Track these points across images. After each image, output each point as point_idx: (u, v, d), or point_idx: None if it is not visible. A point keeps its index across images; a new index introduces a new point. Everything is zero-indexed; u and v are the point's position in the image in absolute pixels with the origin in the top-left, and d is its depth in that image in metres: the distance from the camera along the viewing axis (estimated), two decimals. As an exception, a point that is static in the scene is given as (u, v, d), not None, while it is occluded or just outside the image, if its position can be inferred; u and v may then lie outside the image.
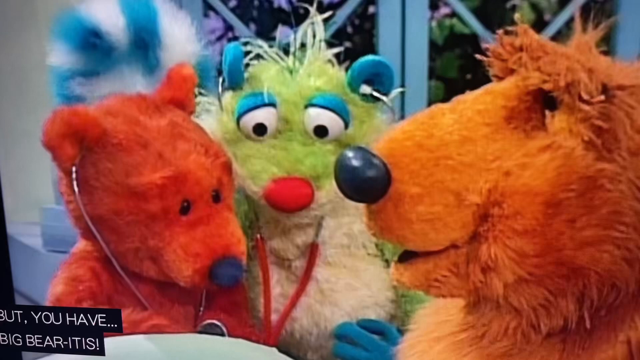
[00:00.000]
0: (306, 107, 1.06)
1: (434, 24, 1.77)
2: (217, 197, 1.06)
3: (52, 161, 1.00)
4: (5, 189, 1.61)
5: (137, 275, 1.05)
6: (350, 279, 1.12)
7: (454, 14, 1.79)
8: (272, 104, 1.06)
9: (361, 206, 0.83)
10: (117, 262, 1.03)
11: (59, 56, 1.16)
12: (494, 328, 0.79)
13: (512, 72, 0.79)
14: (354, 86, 1.07)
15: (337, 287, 1.12)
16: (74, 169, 1.00)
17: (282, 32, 1.24)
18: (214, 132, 1.12)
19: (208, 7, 1.70)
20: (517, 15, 0.80)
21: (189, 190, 1.03)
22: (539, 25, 1.56)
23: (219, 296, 1.14)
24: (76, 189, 1.00)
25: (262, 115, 1.06)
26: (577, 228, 0.72)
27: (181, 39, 1.15)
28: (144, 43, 1.15)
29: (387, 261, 1.14)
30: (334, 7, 1.76)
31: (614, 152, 0.71)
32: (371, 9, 1.73)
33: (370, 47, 1.75)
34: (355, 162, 0.77)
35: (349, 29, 1.72)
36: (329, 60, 1.11)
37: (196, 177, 1.03)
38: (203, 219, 1.05)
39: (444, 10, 1.79)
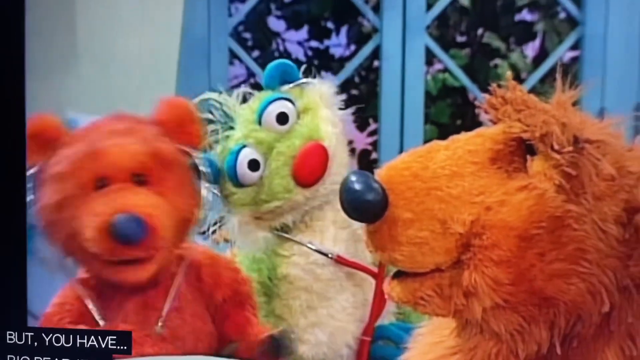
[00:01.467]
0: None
1: (429, 77, 1.75)
2: (140, 182, 0.95)
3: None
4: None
5: (120, 289, 0.96)
6: None
7: (446, 70, 1.78)
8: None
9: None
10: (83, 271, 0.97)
11: None
12: (479, 354, 0.77)
13: (500, 119, 0.78)
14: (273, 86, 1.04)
15: None
16: (33, 169, 0.95)
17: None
18: None
19: (233, 56, 1.68)
20: (508, 73, 0.79)
21: (103, 167, 0.93)
22: (517, 81, 1.53)
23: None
24: (32, 196, 0.95)
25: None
26: (546, 261, 0.70)
27: None
28: None
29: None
30: (344, 60, 1.74)
31: (580, 196, 0.70)
32: (375, 63, 1.72)
33: (374, 96, 1.73)
34: (357, 186, 0.76)
35: (356, 79, 1.70)
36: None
37: (113, 156, 0.94)
38: (116, 190, 0.94)
39: (438, 66, 1.78)
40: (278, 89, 1.04)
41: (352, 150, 1.67)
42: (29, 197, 0.95)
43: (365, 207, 0.78)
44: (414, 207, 0.79)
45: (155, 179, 0.95)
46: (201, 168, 1.00)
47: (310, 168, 1.02)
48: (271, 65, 1.05)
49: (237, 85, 1.60)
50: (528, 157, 0.74)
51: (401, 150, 1.33)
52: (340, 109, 1.07)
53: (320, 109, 1.05)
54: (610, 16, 1.63)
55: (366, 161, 1.85)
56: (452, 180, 0.79)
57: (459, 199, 0.79)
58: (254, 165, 1.02)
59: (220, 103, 1.08)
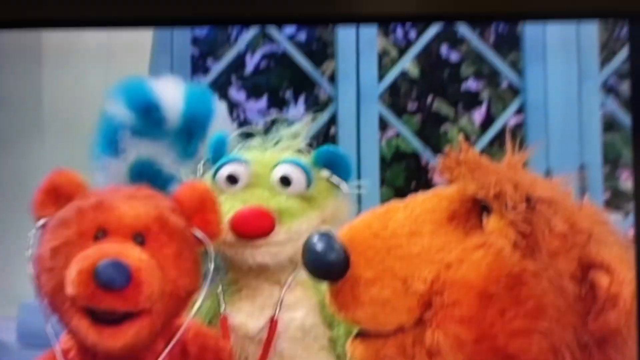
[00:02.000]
0: (275, 166, 1.01)
1: (383, 143, 1.75)
2: (139, 242, 0.93)
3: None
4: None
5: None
6: None
7: (399, 135, 1.77)
8: (245, 162, 1.00)
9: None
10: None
11: (116, 110, 1.10)
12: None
13: (455, 180, 0.77)
14: (317, 166, 1.02)
15: None
16: (41, 221, 0.91)
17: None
18: None
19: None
20: (460, 136, 0.78)
21: (107, 220, 0.89)
22: (466, 145, 1.54)
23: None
24: (33, 240, 0.91)
25: (234, 168, 1.00)
26: (507, 319, 0.68)
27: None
28: (191, 132, 1.09)
29: (338, 356, 1.00)
30: (302, 127, 1.74)
31: (536, 253, 0.68)
32: (332, 130, 1.71)
33: (331, 160, 1.73)
34: (319, 246, 0.74)
35: (314, 145, 1.68)
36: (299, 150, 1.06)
37: (119, 211, 0.90)
38: (112, 241, 0.90)
39: (391, 132, 1.78)
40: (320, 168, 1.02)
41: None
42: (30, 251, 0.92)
43: (328, 267, 0.76)
44: (375, 265, 0.77)
45: (155, 243, 0.91)
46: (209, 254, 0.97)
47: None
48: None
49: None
50: (483, 215, 0.73)
51: (359, 212, 1.31)
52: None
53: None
54: (549, 84, 1.65)
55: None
56: (411, 238, 0.77)
57: (419, 257, 0.77)
58: None
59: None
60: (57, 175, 0.93)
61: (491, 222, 0.71)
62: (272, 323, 1.00)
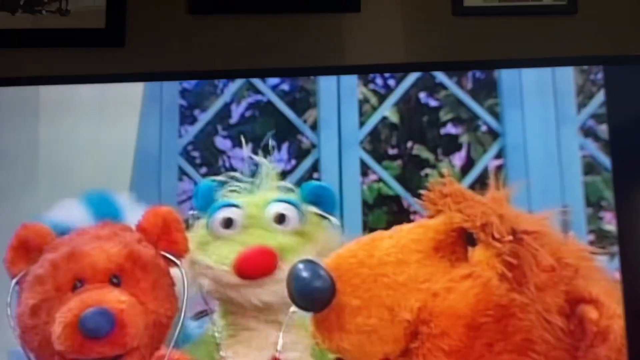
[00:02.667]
0: (267, 205, 1.03)
1: (365, 187, 1.76)
2: (116, 283, 0.93)
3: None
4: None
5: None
6: None
7: (380, 180, 1.79)
8: (238, 206, 1.02)
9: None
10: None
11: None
12: None
13: (440, 212, 0.78)
14: (305, 201, 1.04)
15: None
16: (15, 280, 0.94)
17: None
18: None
19: (182, 173, 1.68)
20: (445, 170, 0.80)
21: (81, 269, 0.92)
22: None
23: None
24: (9, 300, 0.93)
25: (228, 212, 1.02)
26: (495, 352, 0.69)
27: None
28: None
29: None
30: (285, 173, 1.75)
31: (523, 286, 0.69)
32: (315, 175, 1.73)
33: (314, 204, 1.73)
34: (305, 274, 0.75)
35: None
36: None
37: (91, 258, 0.92)
38: (91, 289, 0.93)
39: (373, 177, 1.79)
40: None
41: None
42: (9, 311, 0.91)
43: (314, 294, 0.76)
44: (362, 293, 0.78)
45: (131, 281, 0.92)
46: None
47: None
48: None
49: (185, 200, 1.59)
50: (469, 247, 0.74)
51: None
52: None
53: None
54: (527, 128, 1.68)
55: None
56: (398, 267, 0.78)
57: (406, 285, 0.78)
58: None
59: None
60: (24, 230, 0.94)
61: (477, 253, 0.72)
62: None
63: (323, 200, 1.08)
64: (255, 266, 1.01)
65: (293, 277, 0.77)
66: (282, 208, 1.03)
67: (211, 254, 1.06)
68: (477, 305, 0.72)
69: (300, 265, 0.78)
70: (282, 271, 1.00)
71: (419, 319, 0.75)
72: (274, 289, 1.02)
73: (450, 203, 0.81)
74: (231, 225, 1.03)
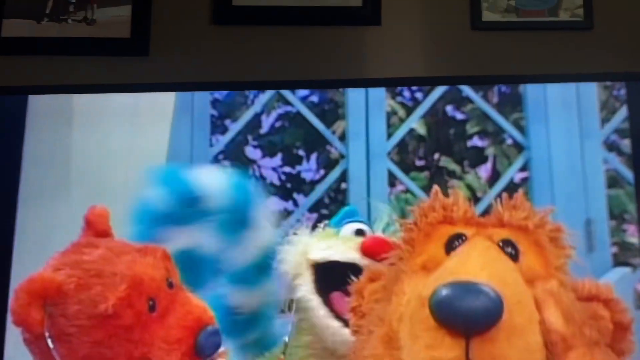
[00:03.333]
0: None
1: (392, 197, 1.79)
2: (170, 284, 0.98)
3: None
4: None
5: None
6: None
7: (407, 191, 1.82)
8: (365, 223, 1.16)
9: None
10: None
11: (157, 198, 1.12)
12: None
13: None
14: None
15: None
16: (46, 332, 0.91)
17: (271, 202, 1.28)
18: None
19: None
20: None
21: (149, 288, 0.95)
22: (472, 200, 1.58)
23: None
24: (51, 345, 0.91)
25: (361, 225, 1.14)
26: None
27: (263, 225, 1.15)
28: (234, 220, 1.12)
29: None
30: (314, 183, 1.78)
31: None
32: (343, 186, 1.76)
33: (342, 216, 1.76)
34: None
35: (326, 200, 1.73)
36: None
37: (149, 275, 0.95)
38: (169, 306, 0.96)
39: (400, 187, 1.82)
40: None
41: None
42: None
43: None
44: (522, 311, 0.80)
45: (174, 273, 1.00)
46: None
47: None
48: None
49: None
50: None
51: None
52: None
53: None
54: (552, 141, 1.70)
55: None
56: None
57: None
58: None
59: None
60: (30, 285, 0.92)
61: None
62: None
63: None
64: (380, 245, 1.12)
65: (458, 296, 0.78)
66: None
67: (337, 247, 1.17)
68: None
69: (456, 285, 0.79)
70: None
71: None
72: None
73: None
74: (362, 234, 1.18)
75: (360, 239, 1.19)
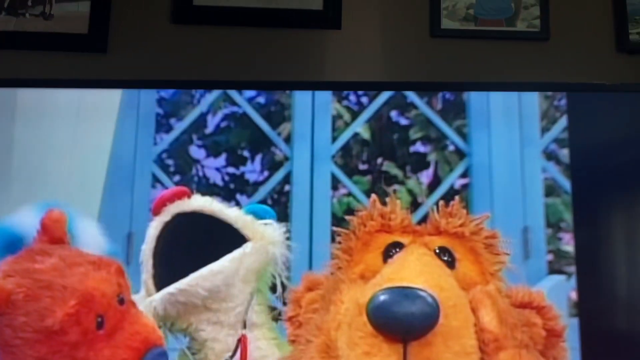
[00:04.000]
0: None
1: (334, 200, 1.80)
2: (121, 300, 0.96)
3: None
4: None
5: None
6: None
7: (350, 194, 1.83)
8: None
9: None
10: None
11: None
12: None
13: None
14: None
15: None
16: None
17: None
18: None
19: (156, 180, 1.70)
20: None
21: (99, 305, 0.92)
22: (413, 205, 1.61)
23: None
24: None
25: None
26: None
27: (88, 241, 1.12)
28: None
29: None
30: (258, 184, 1.78)
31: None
32: (287, 188, 1.76)
33: (285, 217, 1.76)
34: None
35: (269, 202, 1.73)
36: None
37: (100, 291, 0.93)
38: (117, 325, 0.94)
39: (343, 190, 1.83)
40: None
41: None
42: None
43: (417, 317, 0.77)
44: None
45: (126, 290, 0.99)
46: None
47: None
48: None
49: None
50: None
51: (310, 268, 1.38)
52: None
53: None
54: (493, 149, 1.73)
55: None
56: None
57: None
58: None
59: None
60: None
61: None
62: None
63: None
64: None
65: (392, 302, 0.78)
66: None
67: None
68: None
69: (394, 291, 0.79)
70: None
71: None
72: None
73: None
74: None
75: None
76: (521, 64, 1.93)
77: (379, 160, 1.80)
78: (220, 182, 1.78)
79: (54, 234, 1.00)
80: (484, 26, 1.94)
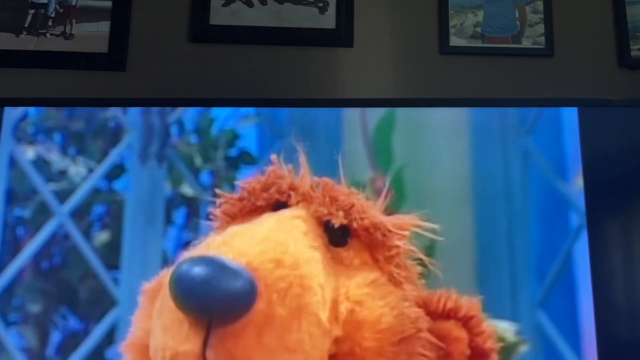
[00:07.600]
0: None
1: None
2: None
3: None
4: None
5: None
6: None
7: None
8: None
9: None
10: None
11: None
12: None
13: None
14: None
15: None
16: None
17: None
18: None
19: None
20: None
21: None
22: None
23: None
24: None
25: None
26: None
27: None
28: None
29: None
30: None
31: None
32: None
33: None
34: (213, 270, 0.62)
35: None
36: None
37: None
38: None
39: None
40: None
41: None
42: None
43: (227, 299, 0.62)
44: (289, 302, 0.64)
45: None
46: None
47: None
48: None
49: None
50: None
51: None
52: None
53: None
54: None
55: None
56: (313, 266, 0.66)
57: (324, 289, 0.65)
58: None
59: None
60: None
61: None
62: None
63: None
64: None
65: (192, 274, 0.61)
66: None
67: None
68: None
69: (200, 260, 0.62)
70: None
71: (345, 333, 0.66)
72: None
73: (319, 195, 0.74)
74: None
75: None
76: (527, 80, 1.99)
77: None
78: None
79: None
80: (490, 43, 2.02)
